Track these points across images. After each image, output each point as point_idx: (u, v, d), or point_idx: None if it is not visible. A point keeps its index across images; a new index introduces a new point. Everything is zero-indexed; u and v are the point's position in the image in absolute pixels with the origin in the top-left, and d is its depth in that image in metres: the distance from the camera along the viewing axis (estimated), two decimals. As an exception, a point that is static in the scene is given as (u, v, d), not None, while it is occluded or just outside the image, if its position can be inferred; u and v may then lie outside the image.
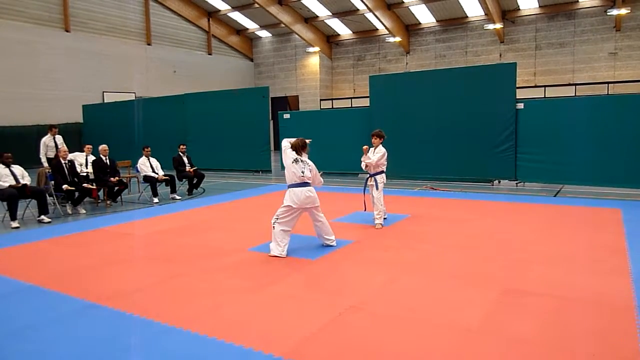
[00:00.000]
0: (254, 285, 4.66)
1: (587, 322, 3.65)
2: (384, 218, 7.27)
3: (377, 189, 7.11)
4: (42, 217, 8.22)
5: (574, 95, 20.74)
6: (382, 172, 7.21)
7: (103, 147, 9.94)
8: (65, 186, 8.67)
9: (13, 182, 8.04)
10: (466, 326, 3.60)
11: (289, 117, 15.47)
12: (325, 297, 4.29)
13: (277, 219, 5.65)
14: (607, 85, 21.14)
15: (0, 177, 8.01)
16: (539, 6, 22.71)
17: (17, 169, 8.29)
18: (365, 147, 7.21)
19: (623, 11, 20.29)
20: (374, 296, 4.30)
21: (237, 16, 28.50)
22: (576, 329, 3.53)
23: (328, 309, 4.00)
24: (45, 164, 11.03)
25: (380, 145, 7.16)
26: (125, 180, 10.28)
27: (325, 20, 27.09)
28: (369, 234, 6.70)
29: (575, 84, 21.85)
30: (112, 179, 9.68)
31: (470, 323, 3.65)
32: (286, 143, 5.88)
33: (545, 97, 21.16)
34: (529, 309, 3.92)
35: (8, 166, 8.17)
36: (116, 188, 9.88)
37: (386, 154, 7.16)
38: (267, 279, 4.81)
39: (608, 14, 21.00)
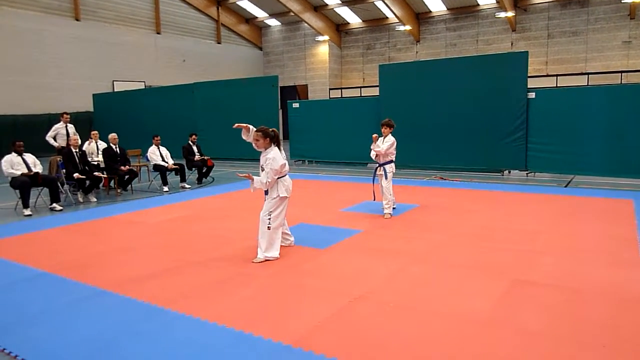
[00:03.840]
0: (263, 273, 4.69)
1: (598, 314, 3.63)
2: (393, 208, 7.25)
3: (386, 178, 7.09)
4: (54, 205, 8.30)
5: (586, 84, 20.47)
6: (391, 161, 7.18)
7: (112, 135, 9.98)
8: (76, 175, 8.74)
9: (25, 171, 8.13)
10: (475, 317, 3.60)
11: (298, 106, 15.45)
12: (334, 286, 4.30)
13: (270, 216, 5.07)
14: (620, 74, 20.84)
15: (13, 165, 8.10)
16: (552, -6, 22.37)
17: (29, 157, 8.37)
18: (375, 135, 7.18)
19: (638, -1, 19.93)
20: (382, 285, 4.30)
21: (247, 4, 28.36)
22: (586, 321, 3.52)
23: (337, 298, 4.01)
24: (52, 142, 11.17)
25: (390, 135, 7.13)
26: (135, 169, 10.34)
27: (335, 9, 26.88)
28: (377, 224, 6.70)
29: (588, 73, 21.54)
30: (122, 167, 9.75)
31: (479, 313, 3.65)
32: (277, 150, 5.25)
33: (557, 86, 20.90)
34: (538, 300, 3.91)
35: (20, 154, 8.25)
36: (126, 177, 9.95)
37: (395, 143, 7.13)
38: (276, 268, 4.84)
39: (622, 1, 20.63)
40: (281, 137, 5.63)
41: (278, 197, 5.13)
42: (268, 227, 5.08)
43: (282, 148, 5.28)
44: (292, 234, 5.63)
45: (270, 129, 5.18)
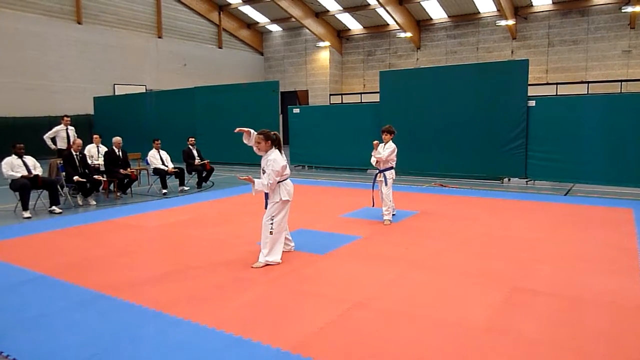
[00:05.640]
0: (262, 278, 4.68)
1: (597, 323, 3.62)
2: (393, 214, 7.25)
3: (386, 185, 7.09)
4: (53, 207, 8.29)
5: (586, 93, 20.54)
6: (391, 168, 7.19)
7: (117, 139, 9.98)
8: (76, 177, 8.74)
9: (25, 173, 8.13)
10: (473, 324, 3.59)
11: (298, 111, 15.48)
12: (334, 292, 4.29)
13: (272, 221, 5.07)
14: (620, 83, 20.92)
15: (13, 167, 8.10)
16: (552, 2, 22.47)
17: (29, 160, 8.37)
18: (375, 142, 7.19)
19: (638, 9, 20.02)
20: (381, 292, 4.30)
21: (248, 10, 28.47)
22: (585, 329, 3.51)
23: (336, 304, 4.01)
24: (49, 142, 11.46)
25: (391, 141, 7.14)
26: (135, 173, 10.34)
27: (336, 15, 26.99)
28: (377, 230, 6.69)
29: (588, 82, 21.62)
30: (122, 170, 9.75)
31: (478, 321, 3.64)
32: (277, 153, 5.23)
33: (557, 94, 20.96)
34: (537, 308, 3.90)
35: (20, 157, 8.25)
36: (126, 180, 9.95)
37: (396, 150, 7.14)
38: (276, 273, 4.83)
39: (622, 11, 20.73)
40: (282, 142, 5.63)
41: (280, 201, 5.12)
42: (270, 232, 5.07)
43: (282, 151, 5.28)
44: (292, 240, 5.63)
45: (272, 132, 5.19)
